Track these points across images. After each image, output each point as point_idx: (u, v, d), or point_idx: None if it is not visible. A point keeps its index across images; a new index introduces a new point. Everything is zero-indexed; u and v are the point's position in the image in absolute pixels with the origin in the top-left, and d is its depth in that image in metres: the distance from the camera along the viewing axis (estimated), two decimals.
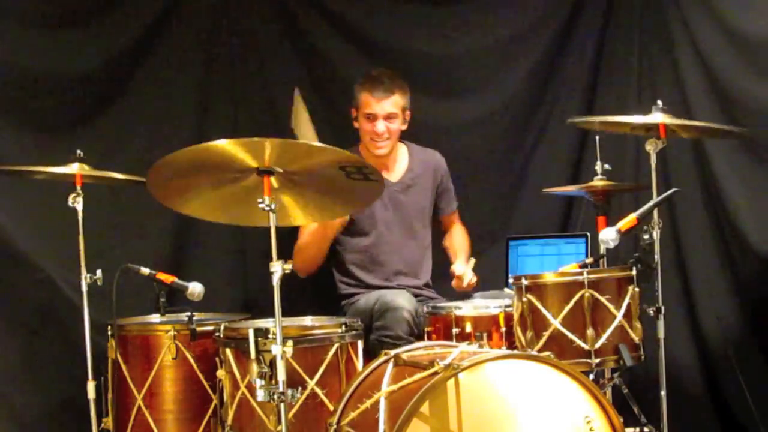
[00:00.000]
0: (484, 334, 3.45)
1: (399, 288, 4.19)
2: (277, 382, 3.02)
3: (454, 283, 4.15)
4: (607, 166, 3.94)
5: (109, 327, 3.76)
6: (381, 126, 4.16)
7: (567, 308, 3.36)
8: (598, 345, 3.34)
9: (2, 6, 4.18)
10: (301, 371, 3.28)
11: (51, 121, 4.31)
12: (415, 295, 4.21)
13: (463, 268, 4.13)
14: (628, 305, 3.40)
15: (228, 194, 3.18)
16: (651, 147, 3.61)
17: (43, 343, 4.22)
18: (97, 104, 4.44)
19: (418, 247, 4.33)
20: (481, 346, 3.07)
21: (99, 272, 3.68)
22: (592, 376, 3.52)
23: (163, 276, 3.73)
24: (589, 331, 3.34)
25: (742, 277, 4.30)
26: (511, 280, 3.55)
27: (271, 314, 3.05)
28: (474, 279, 4.09)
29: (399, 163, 4.32)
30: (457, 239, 4.43)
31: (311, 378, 3.30)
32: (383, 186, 3.31)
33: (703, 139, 4.37)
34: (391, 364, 2.96)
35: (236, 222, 3.43)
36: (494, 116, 4.85)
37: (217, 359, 3.55)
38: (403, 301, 3.88)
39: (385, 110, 4.16)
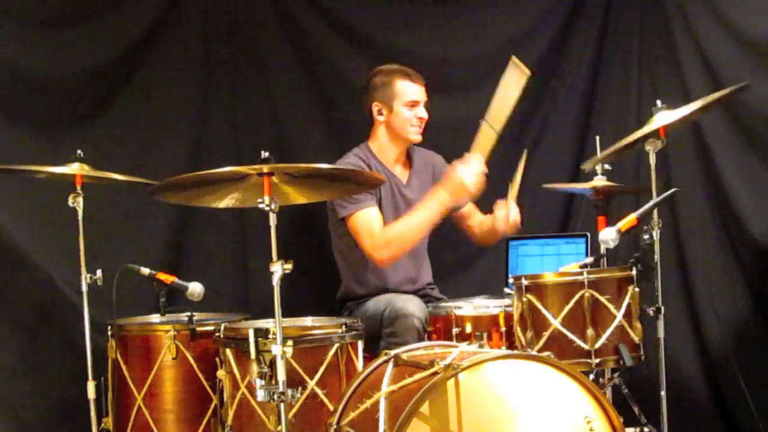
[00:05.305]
0: (484, 334, 3.43)
1: (417, 291, 4.18)
2: (277, 382, 3.02)
3: (498, 216, 4.11)
4: (607, 166, 3.94)
5: (109, 327, 3.76)
6: (424, 111, 4.16)
7: (567, 308, 3.36)
8: (598, 345, 3.34)
9: (2, 6, 4.19)
10: (301, 371, 3.28)
11: (51, 121, 4.31)
12: (423, 296, 4.20)
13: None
14: (628, 305, 3.40)
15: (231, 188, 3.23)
16: (651, 147, 3.61)
17: (43, 343, 4.22)
18: (97, 104, 4.44)
19: (424, 248, 4.31)
20: (481, 346, 3.07)
21: (99, 272, 3.68)
22: (592, 376, 3.52)
23: (163, 276, 3.73)
24: (589, 331, 3.34)
25: (746, 276, 4.30)
26: (511, 280, 3.55)
27: (271, 314, 3.05)
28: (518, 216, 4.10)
29: (406, 163, 4.30)
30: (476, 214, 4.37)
31: (311, 378, 3.30)
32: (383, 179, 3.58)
33: (705, 137, 4.37)
34: (391, 364, 2.96)
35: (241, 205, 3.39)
36: None
37: (217, 359, 3.55)
38: (413, 307, 3.80)
39: (424, 97, 4.16)
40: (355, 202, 4.02)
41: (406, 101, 4.14)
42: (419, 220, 3.97)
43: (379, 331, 3.80)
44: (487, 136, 3.98)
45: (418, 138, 4.19)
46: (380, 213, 4.06)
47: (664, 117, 3.60)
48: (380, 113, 4.18)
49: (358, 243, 4.05)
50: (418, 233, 4.01)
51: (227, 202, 3.26)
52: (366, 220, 4.03)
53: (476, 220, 4.35)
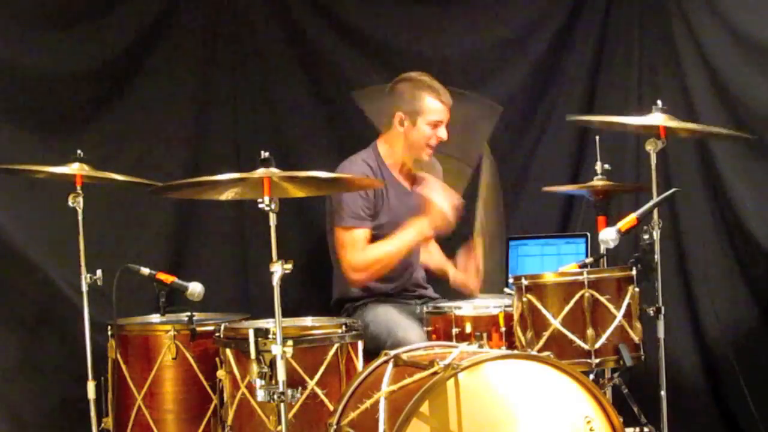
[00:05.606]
0: (484, 334, 3.44)
1: (412, 291, 4.18)
2: (277, 382, 3.02)
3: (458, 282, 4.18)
4: (607, 166, 3.95)
5: (109, 327, 3.75)
6: (444, 131, 4.08)
7: (567, 308, 3.36)
8: (598, 345, 3.34)
9: (2, 6, 4.18)
10: (301, 371, 3.28)
11: (51, 121, 4.31)
12: (419, 297, 4.20)
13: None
14: (628, 305, 3.39)
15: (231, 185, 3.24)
16: (651, 147, 3.61)
17: (43, 343, 4.22)
18: (97, 104, 4.44)
19: (417, 252, 4.30)
20: (480, 346, 3.07)
21: (99, 272, 3.68)
22: (592, 376, 3.52)
23: (163, 276, 3.73)
24: (589, 331, 3.34)
25: (746, 277, 4.30)
26: (511, 280, 3.55)
27: (271, 314, 3.05)
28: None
29: (411, 169, 4.25)
30: (436, 254, 4.37)
31: (311, 378, 3.30)
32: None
33: (706, 138, 4.37)
34: (390, 364, 2.96)
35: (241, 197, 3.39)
36: None
37: (217, 359, 3.54)
38: (414, 337, 3.74)
39: (447, 117, 4.09)
40: (353, 216, 3.99)
41: (431, 120, 4.06)
42: (398, 247, 3.98)
43: (377, 349, 3.75)
44: (464, 173, 4.14)
45: (427, 159, 4.16)
46: (378, 220, 4.03)
47: (664, 118, 3.61)
48: (401, 123, 4.09)
49: (339, 256, 4.03)
50: (396, 260, 4.01)
51: (227, 195, 3.27)
52: (355, 238, 3.99)
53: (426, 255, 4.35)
